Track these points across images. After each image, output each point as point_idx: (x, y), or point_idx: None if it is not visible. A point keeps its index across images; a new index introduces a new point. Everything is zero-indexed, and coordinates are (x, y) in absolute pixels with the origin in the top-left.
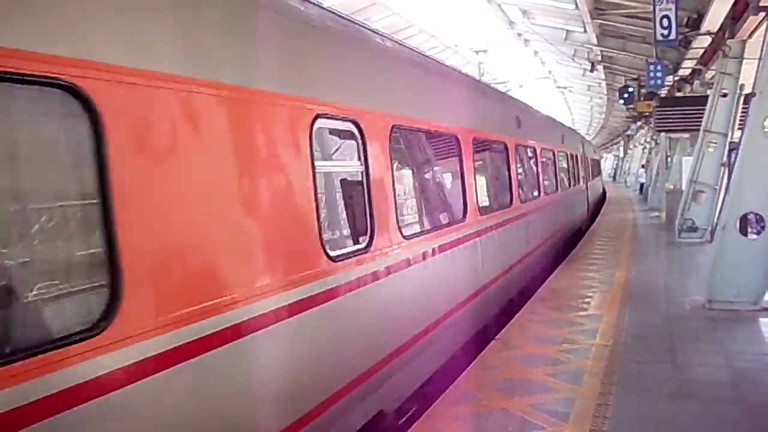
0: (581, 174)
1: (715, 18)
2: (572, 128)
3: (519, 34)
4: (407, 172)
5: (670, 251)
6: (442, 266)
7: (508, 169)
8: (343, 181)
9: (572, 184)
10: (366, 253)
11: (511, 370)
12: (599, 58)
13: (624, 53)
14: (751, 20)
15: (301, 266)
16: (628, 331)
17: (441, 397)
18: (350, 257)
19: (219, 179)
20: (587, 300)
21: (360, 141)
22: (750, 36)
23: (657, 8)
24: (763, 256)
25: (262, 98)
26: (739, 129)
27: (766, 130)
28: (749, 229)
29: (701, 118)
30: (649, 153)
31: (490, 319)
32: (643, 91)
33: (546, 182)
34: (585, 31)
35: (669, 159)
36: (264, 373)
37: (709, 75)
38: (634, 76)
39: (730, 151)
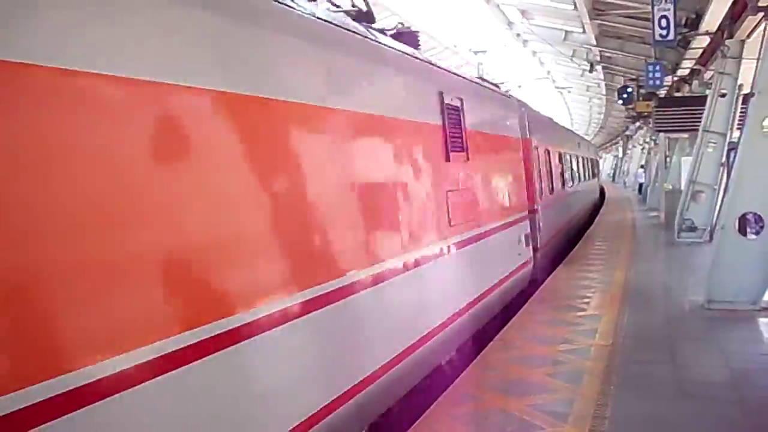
0: (596, 170)
1: (713, 18)
2: (589, 141)
3: (518, 35)
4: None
5: (669, 251)
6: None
7: (581, 167)
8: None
9: (593, 176)
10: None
11: (511, 370)
12: (598, 58)
13: (623, 53)
14: (750, 20)
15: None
16: (627, 331)
17: (440, 397)
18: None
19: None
20: (586, 300)
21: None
22: (749, 36)
23: (655, 9)
24: (762, 256)
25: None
26: (738, 129)
27: (765, 129)
28: (748, 229)
29: (700, 118)
30: (648, 153)
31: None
32: (642, 91)
33: (588, 173)
34: (584, 31)
35: (668, 159)
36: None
37: (707, 75)
38: (633, 77)
39: (729, 150)
